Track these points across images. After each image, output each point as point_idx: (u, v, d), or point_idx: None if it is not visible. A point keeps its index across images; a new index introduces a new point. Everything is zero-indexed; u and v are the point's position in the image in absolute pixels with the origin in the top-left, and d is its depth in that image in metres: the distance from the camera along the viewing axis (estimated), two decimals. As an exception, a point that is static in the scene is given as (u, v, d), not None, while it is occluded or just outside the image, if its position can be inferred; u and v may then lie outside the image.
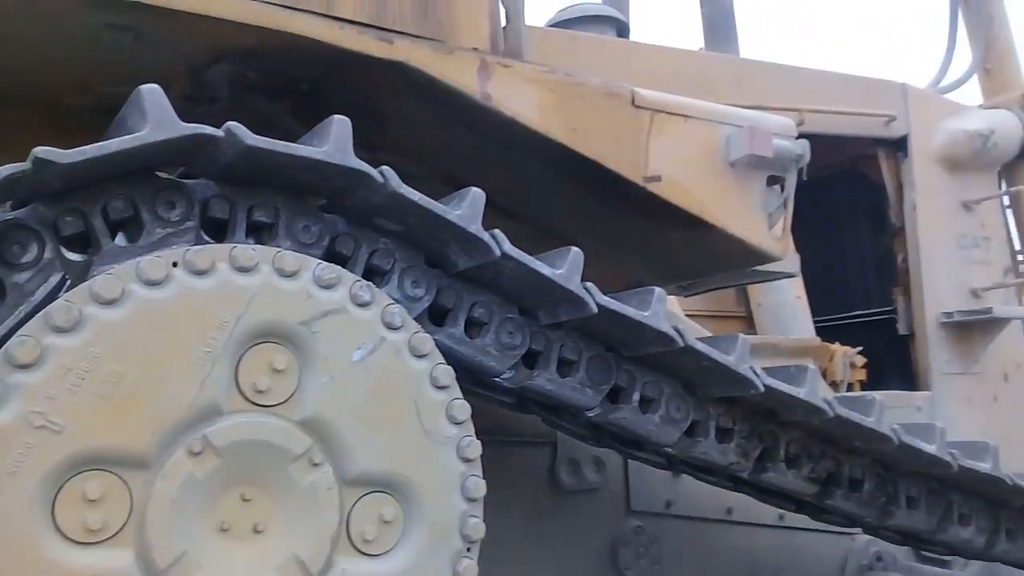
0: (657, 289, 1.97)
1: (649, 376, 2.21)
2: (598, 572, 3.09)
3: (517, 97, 2.10)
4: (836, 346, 4.35)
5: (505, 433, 2.79)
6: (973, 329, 4.43)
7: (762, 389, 2.19)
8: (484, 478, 1.77)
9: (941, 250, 4.48)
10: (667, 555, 3.22)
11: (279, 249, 1.63)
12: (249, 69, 2.06)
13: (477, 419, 1.78)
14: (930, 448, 2.61)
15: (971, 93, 5.26)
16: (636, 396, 2.19)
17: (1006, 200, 4.94)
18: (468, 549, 1.76)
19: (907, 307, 4.49)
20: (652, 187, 2.19)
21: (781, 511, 3.57)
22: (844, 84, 4.36)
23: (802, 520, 3.67)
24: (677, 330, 2.02)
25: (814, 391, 2.30)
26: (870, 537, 3.76)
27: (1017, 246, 5.08)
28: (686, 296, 3.39)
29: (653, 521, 3.21)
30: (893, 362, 4.55)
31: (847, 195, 4.90)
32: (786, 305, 4.11)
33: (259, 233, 1.70)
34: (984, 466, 2.81)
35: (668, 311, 2.01)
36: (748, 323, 4.23)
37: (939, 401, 4.38)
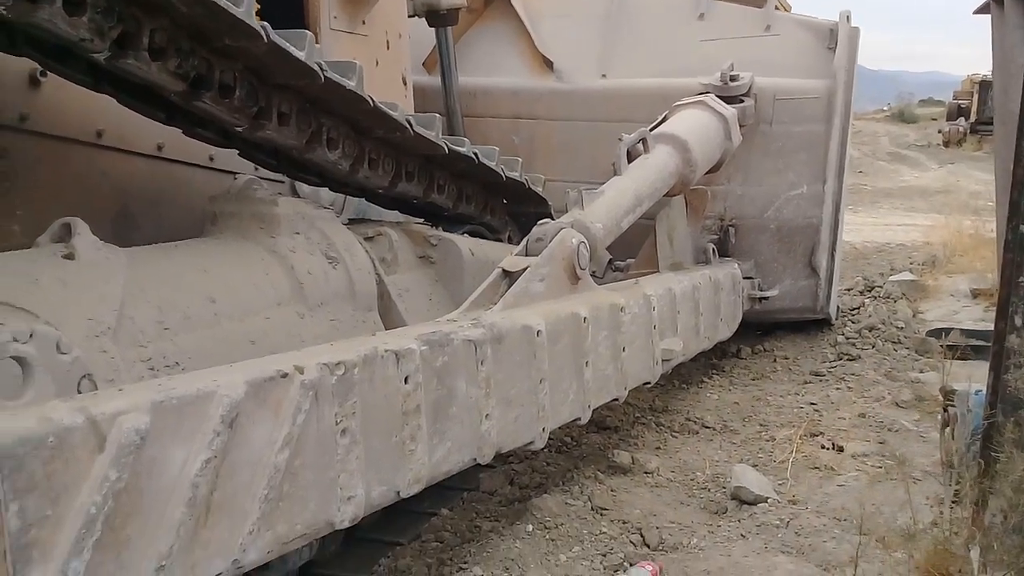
0: None
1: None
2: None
3: None
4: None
5: None
6: (358, -13, 4.58)
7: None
8: None
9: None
10: (21, 176, 2.88)
11: None
12: None
13: None
14: (299, 54, 2.66)
15: None
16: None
17: None
18: None
19: (304, -44, 4.43)
20: None
21: (160, 142, 3.43)
22: None
23: (183, 153, 3.59)
24: None
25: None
26: (252, 177, 3.84)
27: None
28: None
29: (4, 135, 2.81)
30: (287, 13, 4.52)
31: None
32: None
33: None
34: (350, 83, 2.98)
35: None
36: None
37: (326, 55, 4.52)
